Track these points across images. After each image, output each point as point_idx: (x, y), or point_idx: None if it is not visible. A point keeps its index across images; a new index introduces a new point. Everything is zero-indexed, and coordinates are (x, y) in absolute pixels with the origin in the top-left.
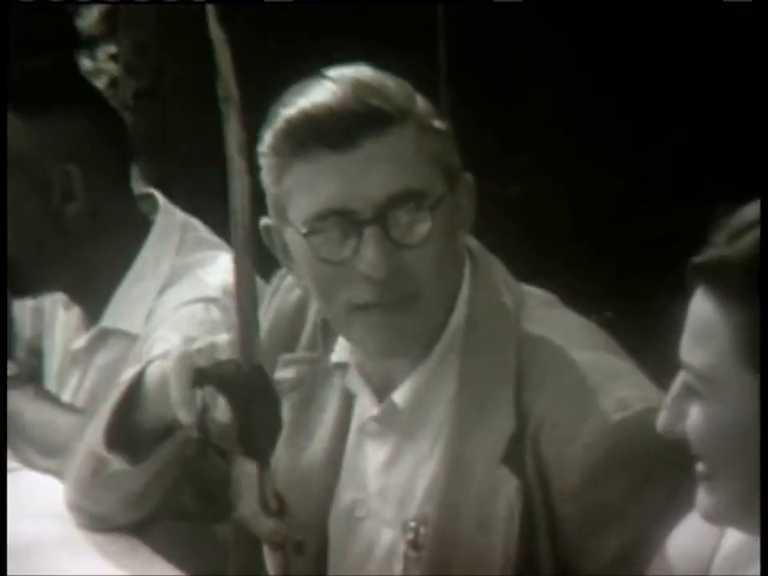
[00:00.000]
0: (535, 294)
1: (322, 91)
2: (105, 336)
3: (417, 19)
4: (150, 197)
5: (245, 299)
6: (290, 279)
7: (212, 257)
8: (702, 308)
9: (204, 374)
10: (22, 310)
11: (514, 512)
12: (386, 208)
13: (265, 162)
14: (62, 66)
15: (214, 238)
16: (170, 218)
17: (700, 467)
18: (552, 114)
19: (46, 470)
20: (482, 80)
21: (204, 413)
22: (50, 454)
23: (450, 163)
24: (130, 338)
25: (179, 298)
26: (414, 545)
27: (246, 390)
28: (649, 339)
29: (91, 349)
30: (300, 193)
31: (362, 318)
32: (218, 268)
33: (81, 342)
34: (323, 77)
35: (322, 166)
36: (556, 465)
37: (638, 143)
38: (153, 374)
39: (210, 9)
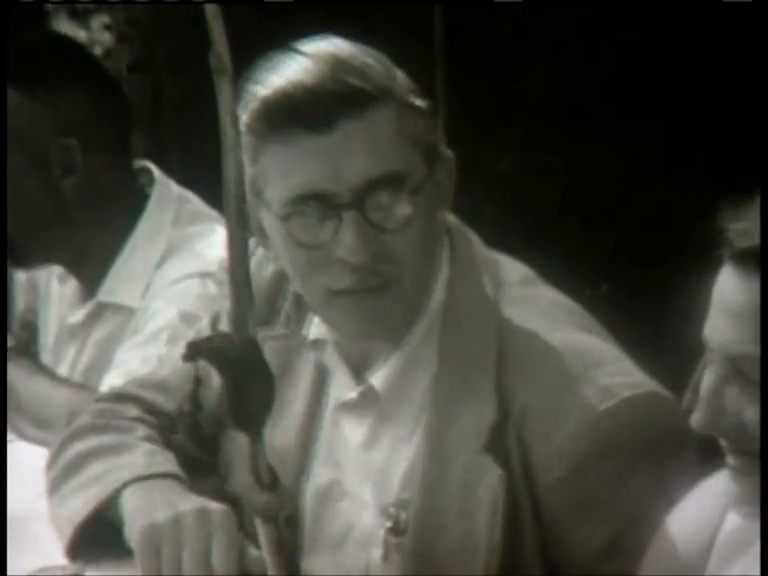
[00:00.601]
0: (515, 270)
1: (298, 68)
2: (101, 310)
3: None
4: (146, 170)
5: (238, 272)
6: (261, 252)
7: (209, 230)
8: (738, 287)
9: (196, 347)
10: (15, 283)
11: (497, 500)
12: (366, 192)
13: (243, 139)
14: (62, 37)
15: (210, 211)
16: (166, 191)
17: (732, 461)
18: (546, 88)
19: (39, 441)
20: (476, 54)
21: (196, 386)
22: (42, 425)
23: (431, 142)
24: (127, 311)
25: (176, 271)
26: (395, 530)
27: (238, 363)
28: (645, 312)
29: (88, 323)
30: (277, 175)
31: (340, 303)
32: (215, 241)
33: (78, 316)
34: (297, 51)
35: (299, 147)
36: (540, 454)
37: (634, 117)
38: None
39: None
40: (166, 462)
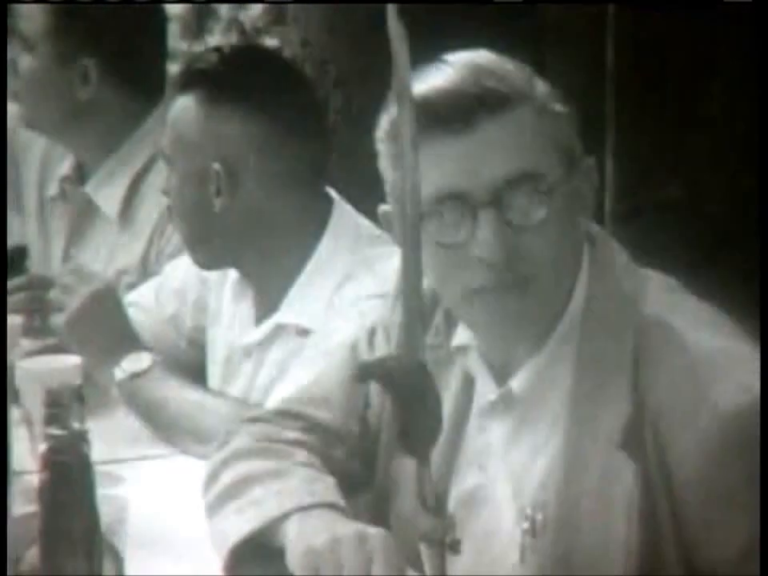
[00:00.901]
0: (657, 279)
1: (440, 76)
2: (280, 330)
3: (585, 15)
4: (325, 194)
5: (410, 295)
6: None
7: (388, 253)
8: None
9: (367, 370)
10: (184, 302)
11: (633, 496)
12: (502, 191)
13: (382, 147)
14: (269, 53)
15: (387, 236)
16: (345, 215)
17: None
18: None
19: (198, 454)
20: (647, 73)
21: (366, 408)
22: (201, 437)
23: (570, 146)
24: (305, 333)
25: (357, 292)
26: (532, 532)
27: (408, 386)
28: None
29: (266, 343)
30: None
31: (478, 302)
32: (394, 264)
33: (255, 335)
34: (442, 62)
35: (439, 149)
36: (677, 450)
37: None
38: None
39: (390, 4)
40: (326, 489)
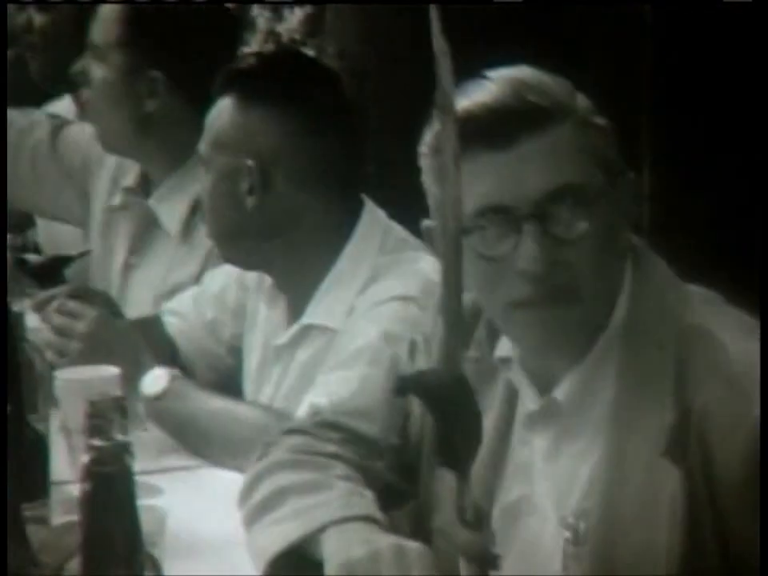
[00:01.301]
0: (699, 292)
1: (482, 91)
2: (306, 332)
3: (622, 19)
4: (356, 197)
5: (451, 308)
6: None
7: (413, 257)
8: None
9: (406, 382)
10: (223, 308)
11: (676, 504)
12: (544, 204)
13: (425, 162)
14: (306, 57)
15: (415, 240)
16: (374, 219)
17: None
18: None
19: (230, 466)
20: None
21: (405, 421)
22: (232, 449)
23: (611, 160)
24: (331, 333)
25: (380, 294)
26: (575, 541)
27: (448, 399)
28: None
29: (293, 345)
30: None
31: (520, 314)
32: (419, 268)
33: (283, 338)
34: (483, 77)
35: (481, 163)
36: (722, 455)
37: None
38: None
39: (434, 19)
40: (365, 503)
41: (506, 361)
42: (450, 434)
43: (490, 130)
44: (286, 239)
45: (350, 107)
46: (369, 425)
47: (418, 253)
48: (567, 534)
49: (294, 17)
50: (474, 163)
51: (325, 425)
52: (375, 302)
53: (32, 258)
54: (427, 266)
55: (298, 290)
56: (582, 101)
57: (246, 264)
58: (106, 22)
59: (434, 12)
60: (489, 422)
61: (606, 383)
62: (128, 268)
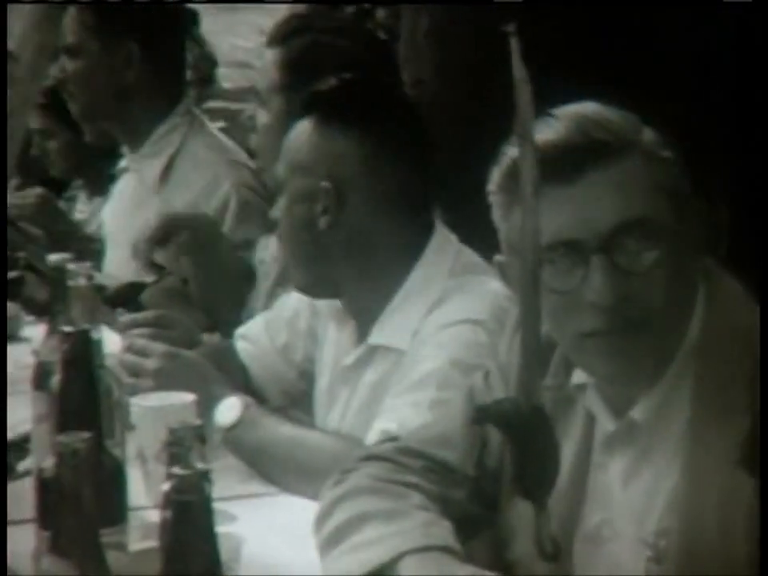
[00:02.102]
0: None
1: (548, 129)
2: (373, 352)
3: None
4: (428, 220)
5: (530, 338)
6: None
7: (482, 281)
8: None
9: (485, 412)
10: (295, 332)
11: (753, 513)
12: (613, 237)
13: (494, 199)
14: (384, 82)
15: (486, 265)
16: (445, 242)
17: None
18: None
19: (311, 496)
20: None
21: (482, 450)
22: (310, 479)
23: (679, 191)
24: (397, 353)
25: (447, 317)
26: (656, 559)
27: (524, 430)
28: None
29: (359, 366)
30: None
31: (592, 344)
32: (487, 291)
33: (350, 358)
34: (549, 115)
35: (549, 199)
36: None
37: None
38: None
39: (514, 47)
40: (442, 533)
41: (581, 387)
42: (528, 464)
43: (557, 166)
44: (357, 264)
45: (425, 134)
46: (449, 453)
47: (489, 276)
48: (649, 554)
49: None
50: (544, 199)
51: (406, 452)
52: (442, 325)
53: (109, 283)
54: (497, 290)
55: (366, 312)
56: (647, 134)
57: (316, 291)
58: (267, 68)
59: (513, 40)
60: (568, 450)
61: (683, 402)
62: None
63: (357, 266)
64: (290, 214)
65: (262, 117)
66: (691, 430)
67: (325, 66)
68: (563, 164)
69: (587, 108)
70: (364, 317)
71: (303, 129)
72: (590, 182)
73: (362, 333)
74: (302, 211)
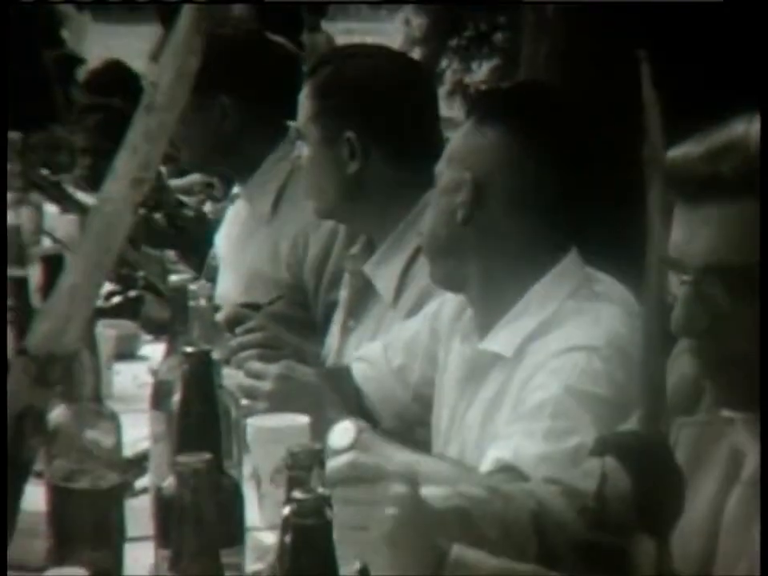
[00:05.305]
0: None
1: (681, 147)
2: (480, 358)
3: None
4: (563, 238)
5: (654, 369)
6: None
7: (603, 308)
8: None
9: (606, 444)
10: (413, 354)
11: None
12: (704, 273)
13: None
14: (548, 91)
15: (616, 295)
16: (574, 266)
17: None
18: None
19: None
20: None
21: (603, 483)
22: None
23: None
24: (510, 368)
25: (560, 343)
26: None
27: (648, 462)
28: None
29: (471, 375)
30: None
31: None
32: (604, 316)
33: (465, 365)
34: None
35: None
36: None
37: None
38: None
39: (645, 70)
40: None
41: (730, 421)
42: (651, 498)
43: (676, 184)
44: (485, 263)
45: (573, 150)
46: (580, 477)
47: (613, 305)
48: None
49: (482, 69)
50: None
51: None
52: (557, 352)
53: (222, 305)
54: (614, 314)
55: (486, 315)
56: None
57: (450, 282)
58: (301, 101)
59: (644, 64)
60: (710, 485)
61: None
62: (346, 331)
63: (485, 265)
64: (437, 205)
65: (305, 151)
66: None
67: (350, 89)
68: (683, 185)
69: (728, 135)
70: (483, 319)
71: (464, 126)
72: (703, 211)
73: (480, 336)
74: (445, 202)
